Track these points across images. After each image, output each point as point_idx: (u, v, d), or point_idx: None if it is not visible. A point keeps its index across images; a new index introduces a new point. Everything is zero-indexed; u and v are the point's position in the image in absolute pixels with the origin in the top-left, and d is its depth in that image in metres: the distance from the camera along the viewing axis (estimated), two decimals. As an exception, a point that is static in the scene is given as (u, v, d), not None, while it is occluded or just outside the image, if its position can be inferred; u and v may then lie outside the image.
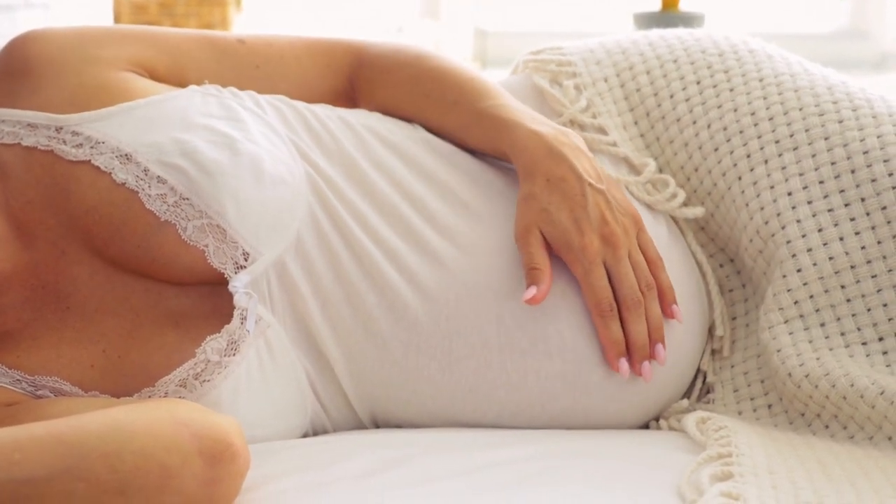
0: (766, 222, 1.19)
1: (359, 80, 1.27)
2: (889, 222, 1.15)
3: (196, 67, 1.20)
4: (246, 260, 1.08)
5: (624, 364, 1.11)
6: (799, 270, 1.16)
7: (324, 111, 1.21)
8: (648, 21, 2.62)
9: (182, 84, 1.18)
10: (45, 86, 1.12)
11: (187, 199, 1.08)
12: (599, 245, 1.11)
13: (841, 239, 1.16)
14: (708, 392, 1.23)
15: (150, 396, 1.06)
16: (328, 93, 1.26)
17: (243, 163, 1.09)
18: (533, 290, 1.09)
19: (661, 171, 1.28)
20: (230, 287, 1.07)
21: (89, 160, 1.09)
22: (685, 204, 1.26)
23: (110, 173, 1.09)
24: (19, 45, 1.14)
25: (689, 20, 2.59)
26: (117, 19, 2.54)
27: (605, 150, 1.26)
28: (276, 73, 1.24)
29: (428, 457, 1.05)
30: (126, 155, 1.09)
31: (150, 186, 1.08)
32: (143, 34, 1.19)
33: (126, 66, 1.16)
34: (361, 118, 1.22)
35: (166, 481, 0.92)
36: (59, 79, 1.12)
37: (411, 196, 1.16)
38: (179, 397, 1.05)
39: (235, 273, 1.08)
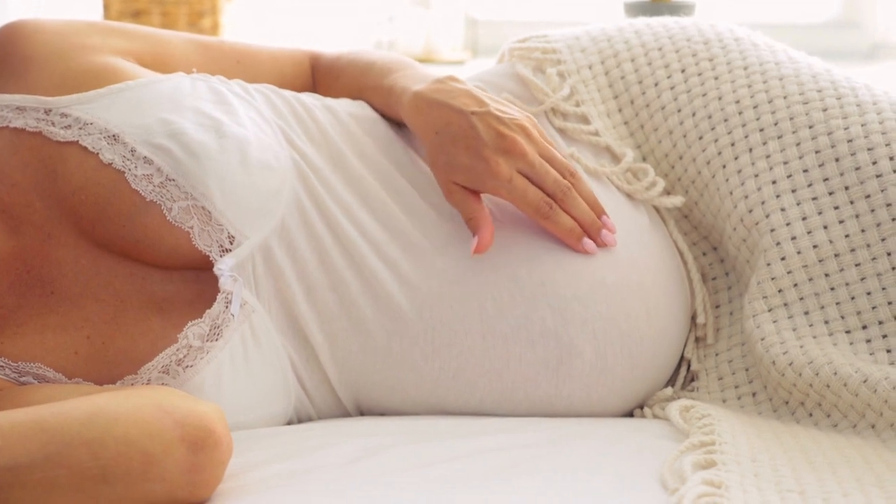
0: (750, 210, 1.19)
1: (319, 81, 1.30)
2: (873, 211, 1.15)
3: (181, 58, 1.21)
4: (231, 243, 1.08)
5: (588, 242, 1.14)
6: (783, 259, 1.16)
7: (310, 99, 1.21)
8: (639, 10, 2.61)
9: (168, 73, 1.18)
10: (32, 72, 1.12)
11: (173, 180, 1.08)
12: (506, 161, 1.12)
13: (825, 227, 1.16)
14: (692, 380, 1.23)
15: (133, 383, 1.06)
16: (301, 88, 1.29)
17: (230, 146, 1.09)
18: (475, 240, 1.11)
19: (644, 159, 1.28)
20: (215, 270, 1.07)
21: (77, 141, 1.09)
22: (666, 192, 1.26)
23: (97, 154, 1.09)
24: (6, 34, 1.14)
25: (679, 9, 2.59)
26: (107, 6, 2.53)
27: (586, 140, 1.26)
28: (255, 68, 1.26)
29: (412, 445, 1.05)
30: (114, 136, 1.09)
31: (136, 167, 1.08)
32: (129, 28, 1.21)
33: (112, 53, 1.16)
34: (347, 106, 1.23)
35: (148, 468, 0.92)
36: (47, 64, 1.13)
37: (393, 187, 1.17)
38: (162, 384, 1.05)
39: (220, 256, 1.08)
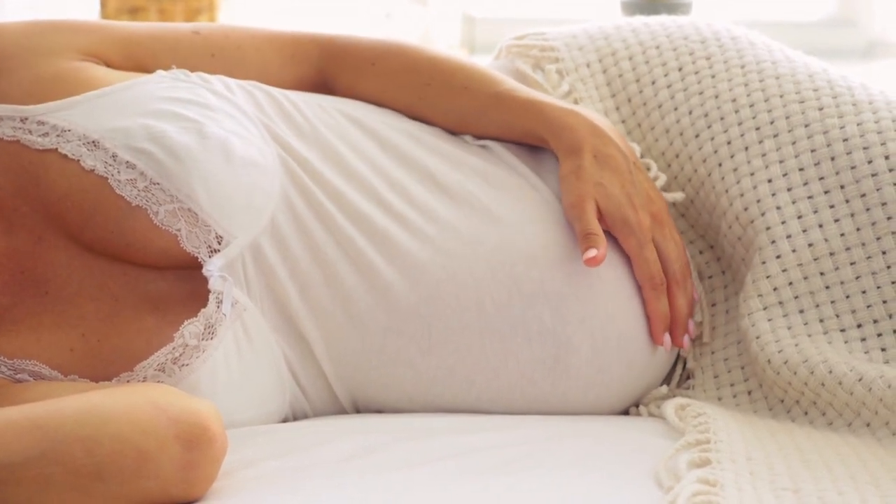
0: (746, 209, 1.19)
1: (334, 70, 1.26)
2: (868, 209, 1.15)
3: (150, 57, 1.19)
4: (219, 243, 1.08)
5: (668, 338, 1.15)
6: (778, 257, 1.16)
7: (299, 96, 1.20)
8: (636, 9, 2.62)
9: (138, 73, 1.17)
10: (2, 80, 1.11)
11: (157, 183, 1.07)
12: (650, 221, 1.15)
13: (820, 226, 1.16)
14: (688, 378, 1.23)
15: (128, 381, 1.06)
16: (294, 82, 1.25)
17: (212, 146, 1.09)
18: (593, 252, 1.11)
19: (641, 157, 1.28)
20: (204, 271, 1.07)
21: (56, 148, 1.09)
22: (665, 189, 1.26)
23: (78, 160, 1.08)
24: None
25: (676, 8, 2.59)
26: (104, 3, 2.53)
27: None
28: (233, 62, 1.22)
29: (408, 442, 1.05)
30: (93, 142, 1.09)
31: (119, 172, 1.08)
32: (94, 25, 1.19)
33: (79, 56, 1.15)
34: (338, 104, 1.21)
35: (143, 465, 0.92)
36: (15, 73, 1.12)
37: (390, 179, 1.16)
38: (158, 381, 1.05)
39: (209, 257, 1.08)
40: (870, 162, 1.16)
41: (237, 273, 1.09)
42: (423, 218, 1.14)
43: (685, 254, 1.19)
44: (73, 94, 1.11)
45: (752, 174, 1.20)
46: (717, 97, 1.24)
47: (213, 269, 1.07)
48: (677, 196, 1.24)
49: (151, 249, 1.08)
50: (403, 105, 1.23)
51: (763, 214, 1.18)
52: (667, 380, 1.23)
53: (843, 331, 1.14)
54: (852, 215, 1.16)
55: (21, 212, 1.09)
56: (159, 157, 1.07)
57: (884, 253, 1.14)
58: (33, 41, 1.14)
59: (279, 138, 1.15)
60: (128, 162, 1.08)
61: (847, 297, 1.15)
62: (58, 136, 1.09)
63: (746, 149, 1.21)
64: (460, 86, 1.21)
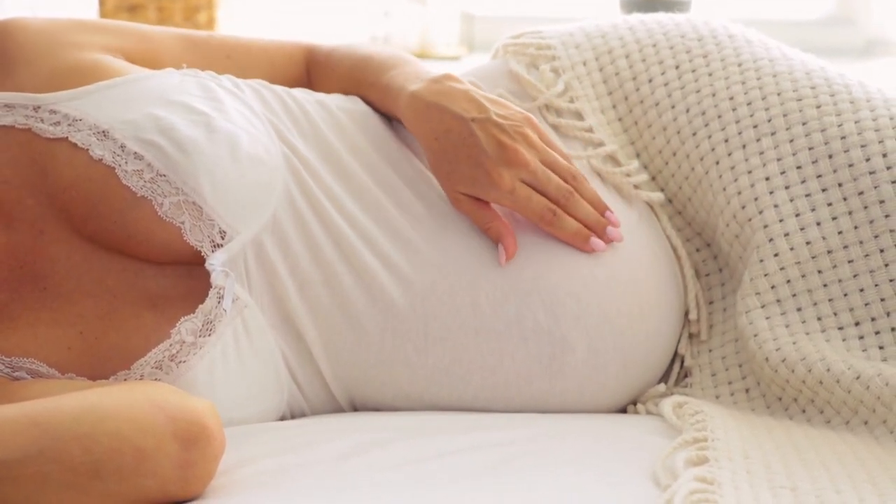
0: (743, 207, 1.19)
1: (314, 74, 1.30)
2: (865, 207, 1.16)
3: (169, 55, 1.21)
4: (223, 238, 1.08)
5: (595, 241, 1.14)
6: (776, 255, 1.17)
7: (302, 95, 1.21)
8: (635, 7, 2.62)
9: (157, 69, 1.18)
10: (19, 69, 1.12)
11: (164, 175, 1.08)
12: (509, 172, 1.13)
13: (818, 224, 1.16)
14: (686, 376, 1.23)
15: (126, 379, 1.06)
16: (294, 81, 1.29)
17: (220, 140, 1.09)
18: (501, 249, 1.12)
19: (638, 155, 1.28)
20: (207, 265, 1.07)
21: (66, 137, 1.09)
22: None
23: (87, 149, 1.09)
24: None
25: (674, 6, 2.59)
26: (102, 1, 2.53)
27: (580, 136, 1.26)
28: (246, 62, 1.26)
29: (405, 440, 1.06)
30: (103, 131, 1.09)
31: (126, 162, 1.08)
32: (116, 25, 1.21)
33: (100, 50, 1.16)
34: (339, 101, 1.23)
35: (140, 463, 0.92)
36: (34, 63, 1.13)
37: (384, 182, 1.17)
38: (155, 379, 1.05)
39: (212, 251, 1.08)
40: (867, 160, 1.17)
41: (239, 269, 1.10)
42: (415, 222, 1.15)
43: (559, 159, 1.16)
44: (88, 84, 1.12)
45: (749, 172, 1.20)
46: (714, 95, 1.24)
47: (215, 263, 1.07)
48: (654, 196, 1.24)
49: (154, 242, 1.08)
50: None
51: (760, 212, 1.18)
52: (664, 378, 1.23)
53: (840, 329, 1.14)
54: (850, 213, 1.16)
55: (25, 204, 1.09)
56: (167, 149, 1.08)
57: (881, 251, 1.14)
58: (55, 35, 1.15)
59: (284, 137, 1.16)
60: (135, 153, 1.08)
61: (845, 295, 1.15)
62: (69, 125, 1.10)
63: (744, 147, 1.21)
64: (370, 81, 1.23)
